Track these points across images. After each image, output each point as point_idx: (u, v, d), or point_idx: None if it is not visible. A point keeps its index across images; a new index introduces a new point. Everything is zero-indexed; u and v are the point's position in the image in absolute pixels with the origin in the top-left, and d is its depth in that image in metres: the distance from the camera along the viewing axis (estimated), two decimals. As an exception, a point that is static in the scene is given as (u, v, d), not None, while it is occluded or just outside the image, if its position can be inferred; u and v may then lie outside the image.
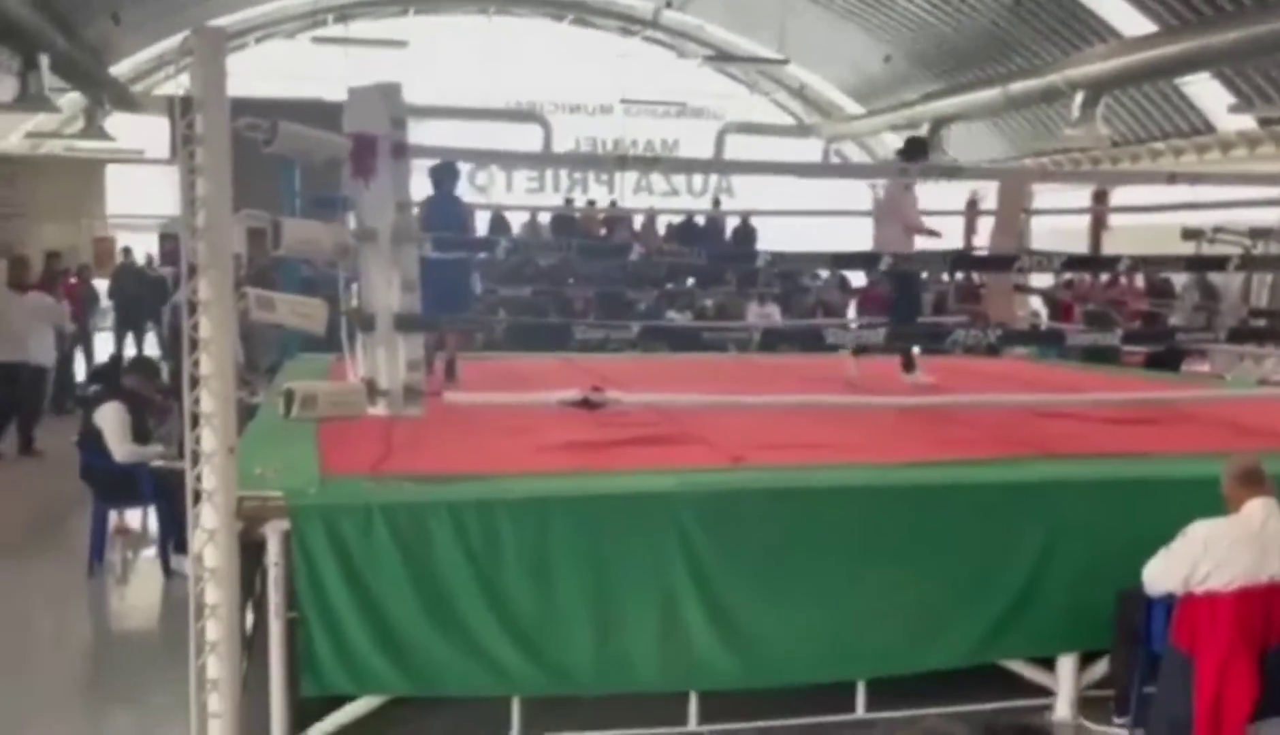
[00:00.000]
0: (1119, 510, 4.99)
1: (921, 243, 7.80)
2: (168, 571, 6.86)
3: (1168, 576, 4.39)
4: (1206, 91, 17.02)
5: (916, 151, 7.95)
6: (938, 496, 4.95)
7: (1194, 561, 4.30)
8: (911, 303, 7.92)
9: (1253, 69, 15.36)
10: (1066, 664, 4.97)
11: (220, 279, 4.22)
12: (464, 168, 22.32)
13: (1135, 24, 16.37)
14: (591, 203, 20.50)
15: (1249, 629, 4.23)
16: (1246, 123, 16.90)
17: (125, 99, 19.43)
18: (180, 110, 4.31)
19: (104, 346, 14.26)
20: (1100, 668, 4.97)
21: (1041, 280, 12.57)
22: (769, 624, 4.74)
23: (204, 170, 4.18)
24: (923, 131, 20.67)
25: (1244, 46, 13.48)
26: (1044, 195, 16.43)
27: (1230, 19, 14.03)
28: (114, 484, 7.07)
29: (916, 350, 7.88)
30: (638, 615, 4.63)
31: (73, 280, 14.22)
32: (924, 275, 8.35)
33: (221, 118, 4.20)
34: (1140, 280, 14.30)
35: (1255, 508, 4.34)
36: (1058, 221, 15.67)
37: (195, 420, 4.24)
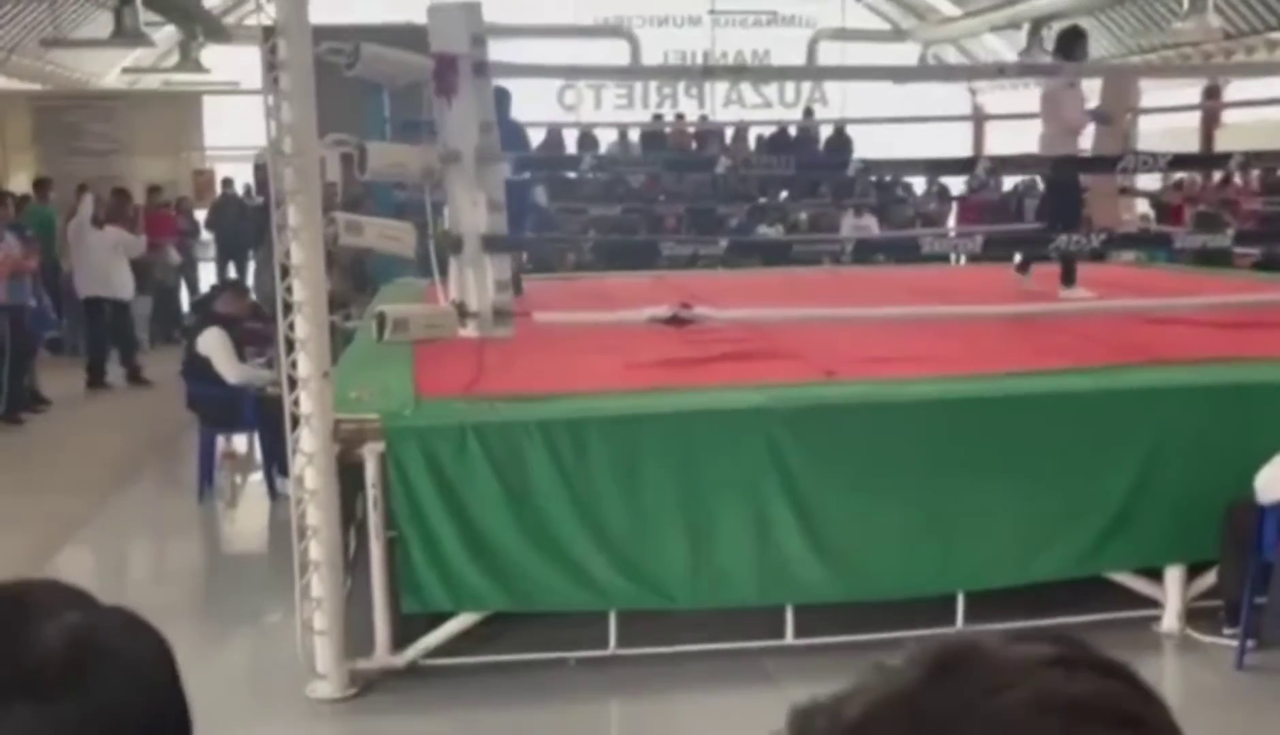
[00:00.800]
0: (1228, 417, 4.83)
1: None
2: (273, 494, 7.04)
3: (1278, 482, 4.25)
4: (1329, -26, 16.08)
5: (1073, 43, 7.35)
6: (1039, 406, 4.84)
7: None
8: (1069, 207, 7.29)
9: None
10: (1174, 575, 4.86)
11: (309, 204, 4.25)
12: (553, 86, 22.34)
13: (1250, -94, 15.51)
14: (680, 117, 20.23)
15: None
16: (1371, 7, 15.96)
17: (218, 31, 19.61)
18: (264, 38, 4.32)
19: (210, 278, 14.60)
20: (1208, 578, 4.84)
21: (1150, 183, 12.12)
22: (865, 538, 4.71)
23: (288, 96, 4.20)
24: (1023, 30, 19.96)
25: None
26: (1153, 93, 15.78)
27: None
28: (219, 411, 7.27)
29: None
30: (731, 530, 4.63)
31: (172, 213, 14.52)
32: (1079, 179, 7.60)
33: (303, 43, 4.20)
34: (1255, 179, 13.68)
35: None
36: (1169, 120, 15.04)
37: (290, 346, 4.31)
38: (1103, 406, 4.87)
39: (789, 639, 4.71)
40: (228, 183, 16.03)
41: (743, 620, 4.74)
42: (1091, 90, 11.71)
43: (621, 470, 4.55)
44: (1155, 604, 4.89)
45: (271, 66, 4.24)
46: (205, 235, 15.51)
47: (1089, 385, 4.98)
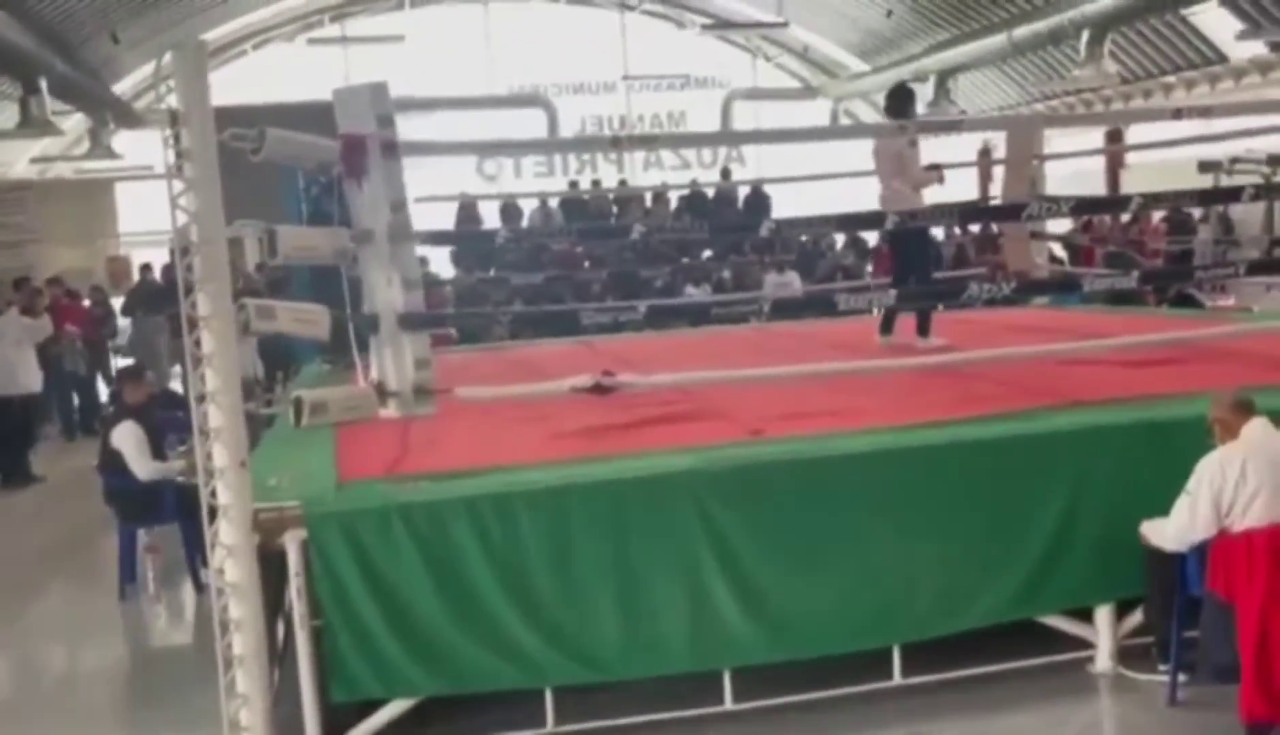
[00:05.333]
0: (1148, 454, 4.90)
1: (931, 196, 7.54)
2: (198, 586, 6.87)
3: (1196, 522, 4.32)
4: (1214, 20, 16.71)
5: (905, 102, 7.56)
6: (959, 455, 4.88)
7: (1217, 493, 4.25)
8: (921, 260, 7.50)
9: (1260, -8, 15.07)
10: (1103, 614, 4.90)
11: (219, 292, 4.19)
12: (472, 157, 22.41)
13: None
14: (595, 183, 20.44)
15: (1287, 567, 4.15)
16: (1258, 49, 16.59)
17: (129, 116, 19.47)
18: (167, 125, 4.28)
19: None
20: (1138, 616, 4.89)
21: (1061, 227, 12.40)
22: (798, 596, 4.69)
23: (193, 184, 4.15)
24: (929, 83, 20.46)
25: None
26: (1060, 139, 16.21)
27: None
28: (138, 503, 7.09)
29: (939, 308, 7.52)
30: (664, 597, 4.59)
31: (85, 302, 14.22)
32: (931, 230, 7.83)
33: (206, 130, 4.16)
34: (1159, 219, 14.08)
35: (1254, 428, 4.35)
36: (1077, 164, 15.45)
37: (205, 436, 4.22)
38: (1022, 451, 4.92)
39: (728, 704, 4.67)
40: (146, 268, 15.78)
41: (681, 688, 4.68)
42: (998, 139, 12.02)
43: (550, 543, 4.50)
44: (1088, 645, 4.92)
45: (176, 154, 4.19)
46: (123, 322, 15.24)
47: (1006, 431, 5.04)
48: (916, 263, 7.42)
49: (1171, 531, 4.42)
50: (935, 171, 7.51)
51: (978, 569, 4.85)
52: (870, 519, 4.77)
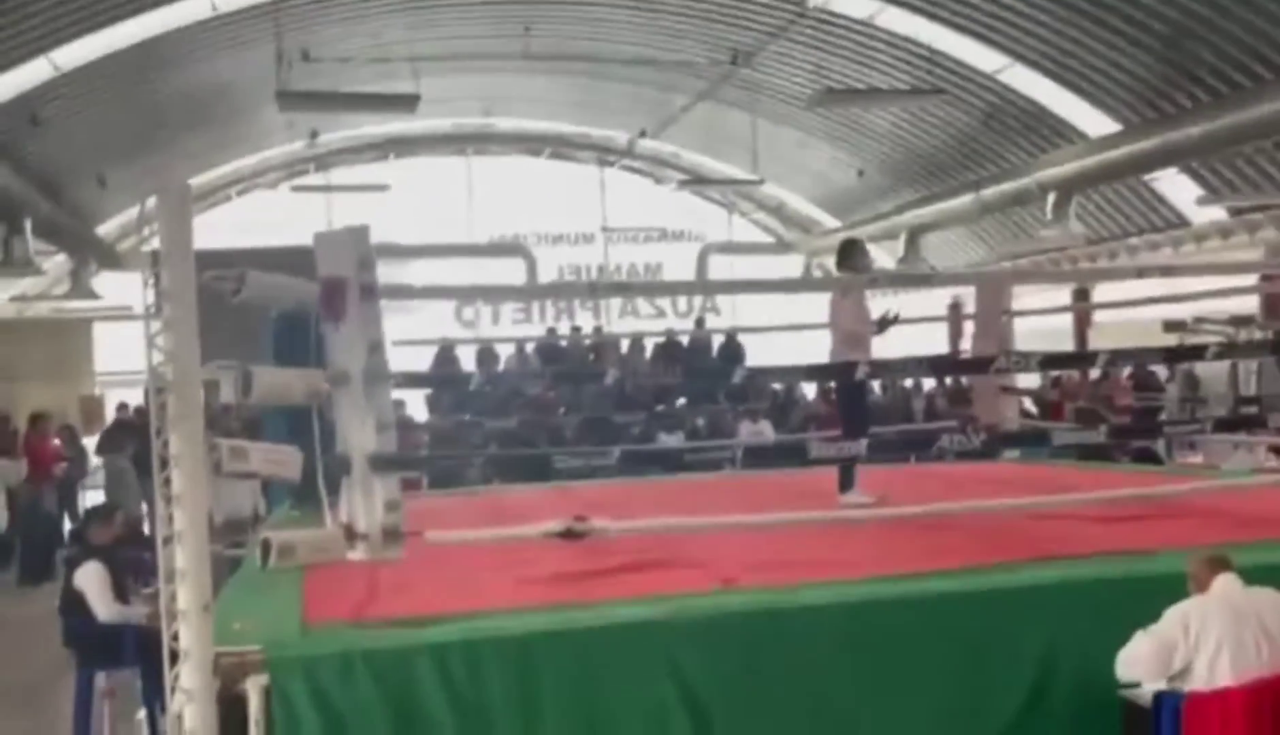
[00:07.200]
0: (1121, 610, 4.87)
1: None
2: (155, 733, 6.66)
3: (1147, 659, 4.38)
4: (1176, 186, 17.31)
5: (845, 255, 7.61)
6: (930, 608, 4.85)
7: (1170, 639, 4.33)
8: (851, 414, 7.43)
9: (1218, 161, 15.63)
10: (1077, 778, 4.81)
11: (191, 432, 4.18)
12: (450, 303, 22.68)
13: (1099, 124, 16.72)
14: (576, 329, 20.67)
15: (1264, 729, 4.12)
16: (1218, 214, 17.13)
17: (111, 257, 19.67)
18: (149, 265, 4.33)
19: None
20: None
21: (1031, 382, 12.58)
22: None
23: (171, 324, 4.18)
24: (900, 240, 20.96)
25: (1206, 141, 13.74)
26: (1028, 296, 16.57)
27: (1189, 115, 14.33)
28: (98, 646, 6.92)
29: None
30: (632, 751, 4.49)
31: (54, 442, 14.11)
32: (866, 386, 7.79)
33: (187, 272, 4.21)
34: (1126, 376, 14.31)
35: (1221, 582, 4.44)
36: (1045, 321, 15.76)
37: (170, 577, 4.16)
38: (996, 605, 4.90)
39: None
40: (124, 407, 15.69)
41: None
42: (969, 295, 12.27)
43: (516, 692, 4.40)
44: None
45: (156, 294, 4.24)
46: (95, 461, 15.10)
47: (980, 584, 5.03)
48: (848, 416, 7.42)
49: (1121, 658, 4.47)
50: (870, 325, 7.49)
51: (949, 724, 4.77)
52: (840, 673, 4.70)
